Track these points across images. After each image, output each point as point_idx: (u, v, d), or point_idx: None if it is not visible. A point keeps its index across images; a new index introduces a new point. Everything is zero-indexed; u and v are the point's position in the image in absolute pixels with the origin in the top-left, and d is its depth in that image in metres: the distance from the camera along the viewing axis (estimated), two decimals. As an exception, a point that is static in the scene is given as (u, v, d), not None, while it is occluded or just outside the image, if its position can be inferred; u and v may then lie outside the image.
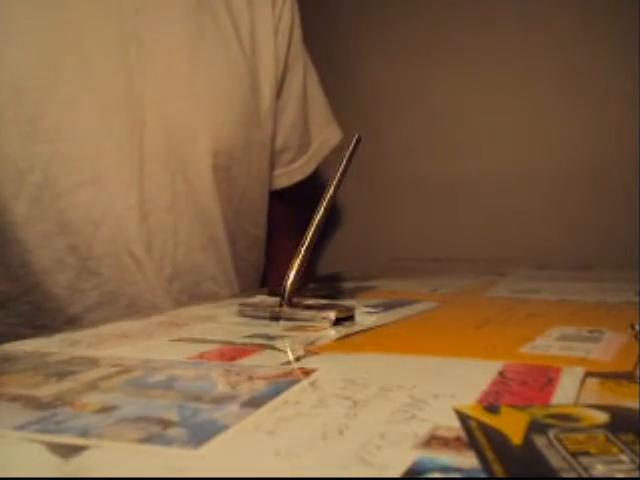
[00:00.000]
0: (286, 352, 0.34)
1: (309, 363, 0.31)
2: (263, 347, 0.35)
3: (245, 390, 0.26)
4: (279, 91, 0.78)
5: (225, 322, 0.44)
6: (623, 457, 0.18)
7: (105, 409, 0.24)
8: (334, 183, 0.48)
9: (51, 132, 0.57)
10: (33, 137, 0.57)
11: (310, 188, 0.92)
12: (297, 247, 0.45)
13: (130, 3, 0.62)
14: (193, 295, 0.69)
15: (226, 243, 0.72)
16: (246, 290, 0.74)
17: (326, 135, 0.89)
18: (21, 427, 0.22)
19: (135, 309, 0.63)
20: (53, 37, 0.58)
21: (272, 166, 0.81)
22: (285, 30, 0.76)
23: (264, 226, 0.80)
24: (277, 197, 0.85)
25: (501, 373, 0.28)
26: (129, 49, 0.62)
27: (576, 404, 0.24)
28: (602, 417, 0.22)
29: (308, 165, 0.87)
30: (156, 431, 0.21)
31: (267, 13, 0.73)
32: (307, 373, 0.29)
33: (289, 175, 0.85)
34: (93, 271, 0.61)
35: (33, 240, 0.59)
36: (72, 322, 0.61)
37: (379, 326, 0.41)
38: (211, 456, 0.19)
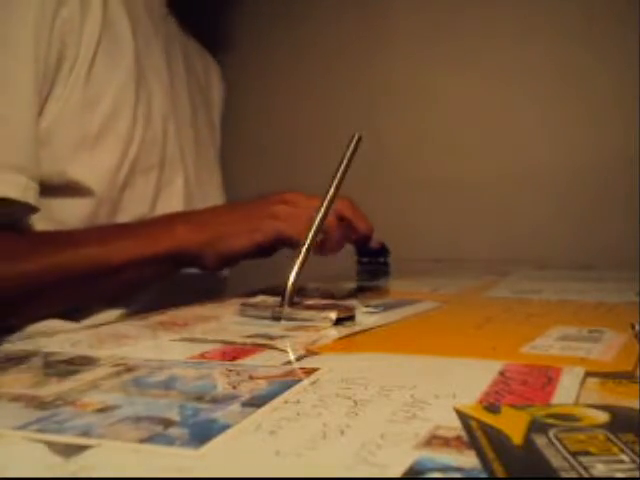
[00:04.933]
0: (287, 352, 0.34)
1: (310, 363, 0.31)
2: (264, 347, 0.35)
3: (246, 390, 0.26)
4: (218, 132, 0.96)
5: (226, 322, 0.44)
6: (623, 457, 0.18)
7: (106, 409, 0.24)
8: (335, 183, 0.48)
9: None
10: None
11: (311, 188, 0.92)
12: None
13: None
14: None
15: None
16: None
17: None
18: (22, 427, 0.22)
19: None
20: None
21: None
22: (222, 94, 0.97)
23: None
24: None
25: (502, 373, 0.28)
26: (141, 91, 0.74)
27: (576, 404, 0.24)
28: (602, 417, 0.22)
29: None
30: (157, 431, 0.21)
31: (216, 74, 0.95)
32: (308, 373, 0.29)
33: None
34: None
35: None
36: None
37: (380, 326, 0.41)
38: (212, 456, 0.19)
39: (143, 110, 0.70)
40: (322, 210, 0.47)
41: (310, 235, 0.46)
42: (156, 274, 0.64)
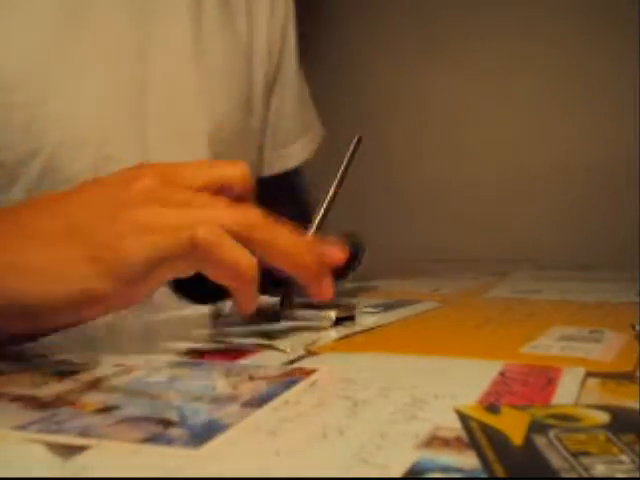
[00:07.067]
0: (287, 352, 0.34)
1: (310, 363, 0.31)
2: (264, 347, 0.35)
3: (246, 390, 0.26)
4: (275, 74, 0.79)
5: (226, 322, 0.44)
6: (623, 457, 0.18)
7: (105, 409, 0.24)
8: (335, 183, 0.48)
9: (56, 117, 0.55)
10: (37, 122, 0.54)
11: (311, 188, 0.92)
12: None
13: None
14: None
15: None
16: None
17: (317, 130, 0.88)
18: (22, 427, 0.22)
19: None
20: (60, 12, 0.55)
21: (262, 150, 0.79)
22: (279, 17, 0.76)
23: None
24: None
25: (502, 373, 0.28)
26: (138, 29, 0.60)
27: (577, 404, 0.24)
28: (602, 417, 0.22)
29: (304, 151, 0.85)
30: (157, 431, 0.21)
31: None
32: (308, 373, 0.29)
33: (284, 160, 0.83)
34: None
35: None
36: None
37: (379, 326, 0.41)
38: (211, 456, 0.19)
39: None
40: (322, 211, 0.47)
41: (310, 235, 0.46)
42: None
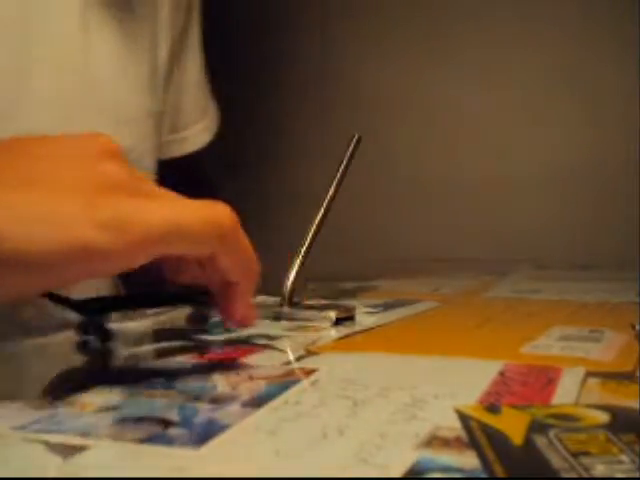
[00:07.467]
0: (287, 352, 0.34)
1: (310, 363, 0.31)
2: (264, 347, 0.35)
3: (246, 390, 0.26)
4: (178, 51, 0.71)
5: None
6: (623, 457, 0.18)
7: (105, 409, 0.24)
8: (334, 183, 0.48)
9: None
10: None
11: (309, 188, 0.92)
12: None
13: None
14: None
15: None
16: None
17: (215, 114, 0.80)
18: (21, 427, 0.22)
19: None
20: None
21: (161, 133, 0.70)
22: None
23: None
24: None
25: (502, 373, 0.28)
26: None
27: (577, 404, 0.24)
28: (602, 417, 0.22)
29: (204, 134, 0.77)
30: (156, 431, 0.21)
31: None
32: (308, 373, 0.29)
33: (184, 143, 0.75)
34: None
35: None
36: None
37: (379, 326, 0.41)
38: (211, 456, 0.19)
39: None
40: (322, 211, 0.47)
41: (310, 235, 0.46)
42: None
